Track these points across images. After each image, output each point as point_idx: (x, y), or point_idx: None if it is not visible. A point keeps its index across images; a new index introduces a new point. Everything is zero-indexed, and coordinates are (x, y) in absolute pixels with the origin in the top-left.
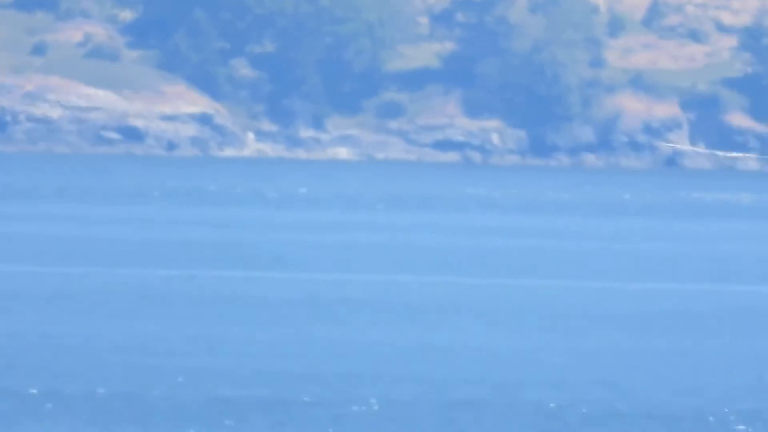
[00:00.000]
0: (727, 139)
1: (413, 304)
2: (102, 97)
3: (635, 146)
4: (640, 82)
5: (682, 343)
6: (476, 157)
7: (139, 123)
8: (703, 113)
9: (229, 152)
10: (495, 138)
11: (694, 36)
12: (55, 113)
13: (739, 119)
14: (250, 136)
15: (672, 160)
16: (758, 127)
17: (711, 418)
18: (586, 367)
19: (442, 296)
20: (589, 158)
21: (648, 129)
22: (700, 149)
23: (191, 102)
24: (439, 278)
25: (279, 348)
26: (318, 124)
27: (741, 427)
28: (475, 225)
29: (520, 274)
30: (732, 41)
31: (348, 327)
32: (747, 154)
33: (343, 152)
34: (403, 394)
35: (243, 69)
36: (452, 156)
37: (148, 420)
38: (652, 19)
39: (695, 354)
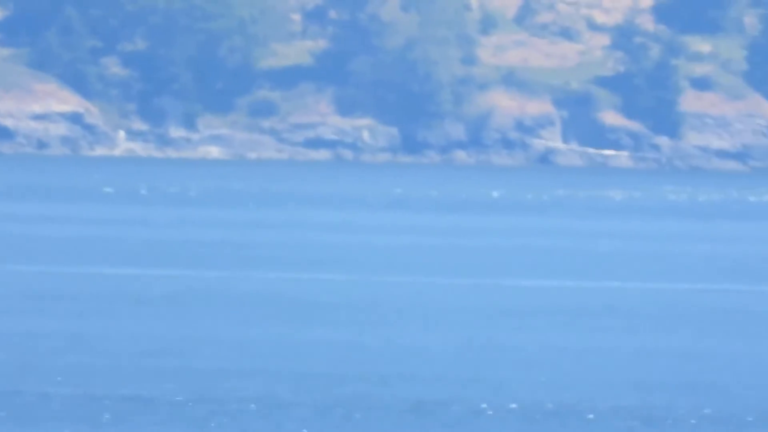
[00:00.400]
0: (600, 136)
1: (284, 300)
2: None
3: (507, 144)
4: (512, 80)
5: (560, 339)
6: (348, 155)
7: (8, 122)
8: (576, 111)
9: (100, 151)
10: (366, 136)
11: (567, 34)
12: None
13: (611, 117)
14: (121, 134)
15: (544, 158)
16: (630, 125)
17: (590, 416)
18: (464, 364)
19: (313, 292)
20: (460, 155)
21: (520, 126)
22: (573, 147)
23: (62, 101)
24: (309, 275)
25: (157, 344)
26: (189, 123)
27: (619, 422)
28: (343, 222)
29: (388, 271)
30: (604, 40)
31: (226, 323)
32: (619, 152)
33: (214, 151)
34: (280, 391)
35: (114, 67)
36: (324, 154)
37: (24, 417)
38: (524, 16)
39: (572, 350)
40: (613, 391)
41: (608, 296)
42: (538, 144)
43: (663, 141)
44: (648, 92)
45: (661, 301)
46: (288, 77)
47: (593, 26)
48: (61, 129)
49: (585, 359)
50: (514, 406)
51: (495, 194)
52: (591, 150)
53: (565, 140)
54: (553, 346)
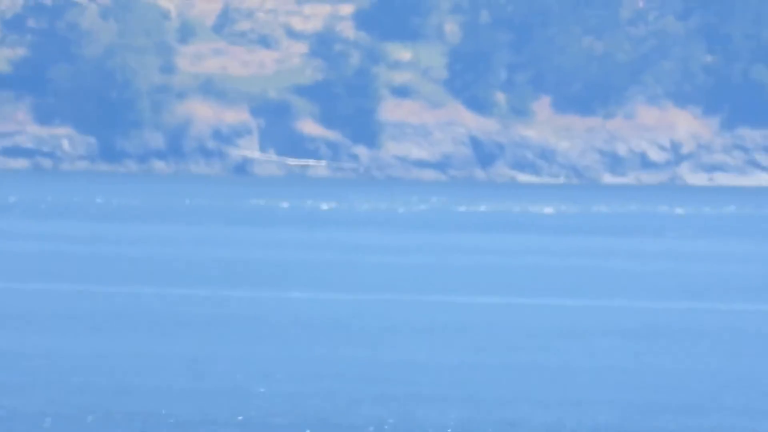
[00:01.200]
0: (298, 146)
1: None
2: None
3: (205, 152)
4: (210, 89)
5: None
6: (46, 163)
7: None
8: (274, 120)
9: None
10: (65, 144)
11: (265, 42)
12: None
13: (309, 126)
14: None
15: (242, 167)
16: (328, 134)
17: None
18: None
19: (66, 304)
20: (159, 164)
21: (218, 135)
22: (271, 156)
23: None
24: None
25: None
26: None
27: None
28: (39, 232)
29: (97, 281)
30: (303, 47)
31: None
32: (318, 162)
33: None
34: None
35: None
36: (22, 163)
37: None
38: (222, 25)
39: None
40: (488, 406)
41: (302, 307)
42: (235, 153)
43: (361, 150)
44: (347, 100)
45: (366, 313)
46: None
47: (292, 34)
48: None
49: (407, 373)
50: (278, 419)
51: (188, 203)
52: (289, 160)
53: (263, 149)
54: (358, 359)
